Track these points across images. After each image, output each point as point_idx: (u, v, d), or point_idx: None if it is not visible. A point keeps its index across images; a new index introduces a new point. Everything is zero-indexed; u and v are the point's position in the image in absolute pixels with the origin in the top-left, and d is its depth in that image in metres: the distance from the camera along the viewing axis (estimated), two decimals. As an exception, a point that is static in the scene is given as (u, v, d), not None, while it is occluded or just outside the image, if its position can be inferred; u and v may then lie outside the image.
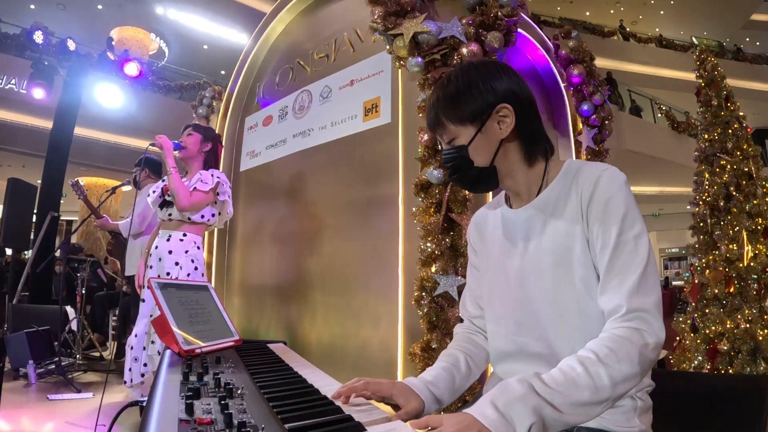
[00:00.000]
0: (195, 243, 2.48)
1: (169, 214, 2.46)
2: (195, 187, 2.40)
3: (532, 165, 0.96)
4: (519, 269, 0.94)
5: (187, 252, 2.43)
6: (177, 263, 2.40)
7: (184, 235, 2.46)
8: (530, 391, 0.67)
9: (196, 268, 2.44)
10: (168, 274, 2.38)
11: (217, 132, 3.72)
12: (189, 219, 2.46)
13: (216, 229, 3.60)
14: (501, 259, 0.99)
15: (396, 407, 0.88)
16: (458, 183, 0.99)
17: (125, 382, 2.42)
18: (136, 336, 2.39)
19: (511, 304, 0.96)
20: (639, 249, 0.81)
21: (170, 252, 2.41)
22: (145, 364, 2.35)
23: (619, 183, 0.85)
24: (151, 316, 2.36)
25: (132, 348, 2.40)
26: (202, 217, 2.47)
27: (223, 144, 3.70)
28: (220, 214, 2.58)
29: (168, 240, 2.43)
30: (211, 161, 2.58)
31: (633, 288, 0.78)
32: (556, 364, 0.86)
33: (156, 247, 2.43)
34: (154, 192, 2.57)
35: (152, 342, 2.35)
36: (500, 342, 0.99)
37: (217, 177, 2.48)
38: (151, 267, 2.43)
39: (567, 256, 0.88)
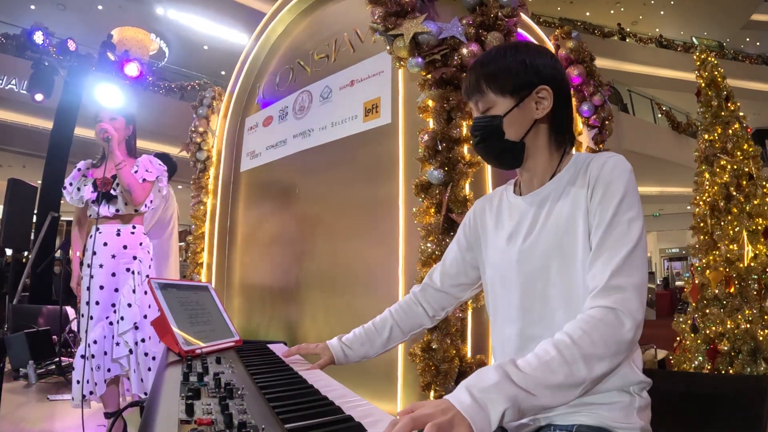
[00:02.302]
0: (143, 233, 2.45)
1: (117, 210, 2.35)
2: (144, 178, 2.36)
3: (555, 152, 0.98)
4: (522, 251, 0.95)
5: (141, 244, 2.38)
6: (135, 257, 2.34)
7: (134, 227, 2.40)
8: (504, 377, 0.69)
9: (152, 259, 2.44)
10: (128, 269, 2.31)
11: (218, 133, 3.74)
12: (136, 211, 2.40)
13: (216, 230, 3.60)
14: (505, 244, 1.00)
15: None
16: (483, 152, 1.00)
17: (73, 399, 2.21)
18: (95, 342, 2.22)
19: (515, 286, 0.96)
20: (630, 231, 0.83)
21: (125, 247, 2.32)
22: (108, 370, 2.21)
23: (622, 168, 0.88)
24: (107, 318, 2.26)
25: (93, 357, 2.21)
26: (145, 206, 2.44)
27: (224, 144, 3.71)
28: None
29: (118, 235, 2.33)
30: (132, 146, 2.51)
31: (617, 266, 0.80)
32: None
33: (105, 244, 2.29)
34: (71, 185, 2.42)
35: (117, 344, 2.22)
36: (502, 325, 1.01)
37: (159, 164, 2.45)
38: (102, 266, 2.28)
39: (570, 236, 0.89)
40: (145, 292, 2.31)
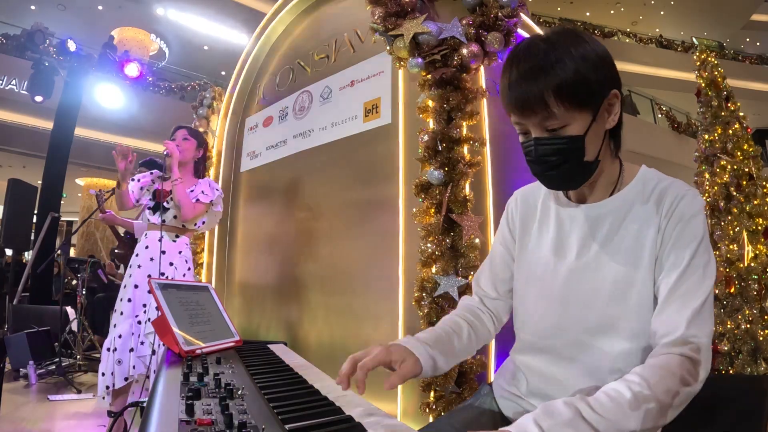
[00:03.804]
0: (186, 243, 2.52)
1: (163, 220, 2.46)
2: (198, 199, 2.45)
3: (614, 158, 0.89)
4: (572, 270, 0.88)
5: (180, 252, 2.45)
6: (171, 263, 2.41)
7: (177, 236, 2.49)
8: (577, 416, 0.64)
9: (189, 268, 2.47)
10: (162, 274, 2.38)
11: (218, 133, 3.74)
12: (183, 226, 2.50)
13: (216, 230, 3.60)
14: (548, 253, 0.92)
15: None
16: (552, 178, 0.84)
17: (102, 389, 2.27)
18: (120, 337, 2.29)
19: (554, 303, 0.90)
20: (706, 278, 0.78)
21: (164, 252, 2.40)
22: (134, 366, 2.27)
23: (699, 206, 0.82)
24: (136, 316, 2.32)
25: (115, 350, 2.27)
26: (195, 225, 2.54)
27: (224, 145, 3.71)
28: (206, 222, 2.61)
29: (160, 240, 2.41)
30: (200, 168, 2.64)
31: (693, 315, 0.75)
32: (584, 372, 0.85)
33: (147, 247, 2.42)
34: (140, 185, 2.55)
35: (141, 343, 2.28)
36: (529, 336, 0.95)
37: (217, 189, 2.54)
38: (140, 266, 2.39)
39: (631, 270, 0.83)
40: None
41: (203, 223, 2.58)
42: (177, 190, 2.38)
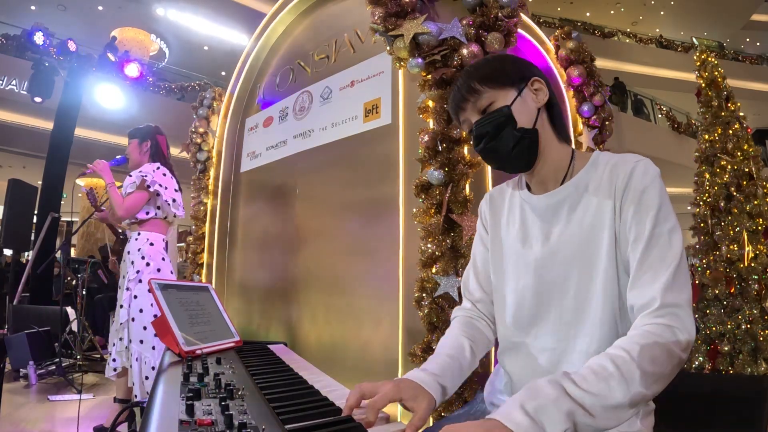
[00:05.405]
0: (148, 240, 2.52)
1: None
2: (128, 192, 2.49)
3: (561, 145, 0.95)
4: (539, 258, 0.90)
5: (139, 250, 2.48)
6: (132, 262, 2.45)
7: (138, 234, 2.53)
8: (562, 393, 0.64)
9: (147, 264, 2.45)
10: (128, 272, 2.44)
11: (218, 133, 3.73)
12: (136, 219, 2.54)
13: (216, 230, 3.60)
14: (517, 245, 0.95)
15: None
16: (495, 150, 0.91)
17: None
18: (110, 333, 2.52)
19: (527, 294, 0.92)
20: (673, 243, 0.79)
21: (128, 252, 2.49)
22: (114, 359, 2.40)
23: (653, 174, 0.85)
24: (125, 315, 2.43)
25: (121, 339, 2.47)
26: (147, 213, 2.54)
27: (224, 145, 3.71)
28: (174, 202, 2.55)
29: (128, 241, 2.55)
30: (156, 156, 2.65)
31: (667, 283, 0.76)
32: (566, 360, 0.85)
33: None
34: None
35: (120, 339, 2.39)
36: (509, 333, 0.96)
37: (140, 171, 2.52)
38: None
39: (593, 247, 0.85)
40: (135, 296, 2.39)
41: (158, 208, 2.55)
42: (108, 193, 2.46)
